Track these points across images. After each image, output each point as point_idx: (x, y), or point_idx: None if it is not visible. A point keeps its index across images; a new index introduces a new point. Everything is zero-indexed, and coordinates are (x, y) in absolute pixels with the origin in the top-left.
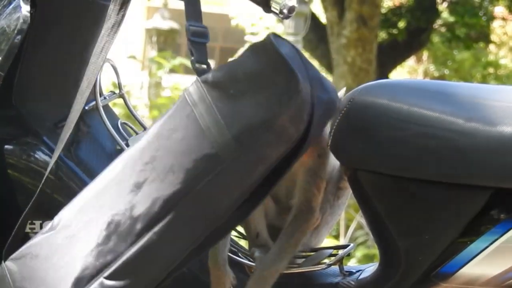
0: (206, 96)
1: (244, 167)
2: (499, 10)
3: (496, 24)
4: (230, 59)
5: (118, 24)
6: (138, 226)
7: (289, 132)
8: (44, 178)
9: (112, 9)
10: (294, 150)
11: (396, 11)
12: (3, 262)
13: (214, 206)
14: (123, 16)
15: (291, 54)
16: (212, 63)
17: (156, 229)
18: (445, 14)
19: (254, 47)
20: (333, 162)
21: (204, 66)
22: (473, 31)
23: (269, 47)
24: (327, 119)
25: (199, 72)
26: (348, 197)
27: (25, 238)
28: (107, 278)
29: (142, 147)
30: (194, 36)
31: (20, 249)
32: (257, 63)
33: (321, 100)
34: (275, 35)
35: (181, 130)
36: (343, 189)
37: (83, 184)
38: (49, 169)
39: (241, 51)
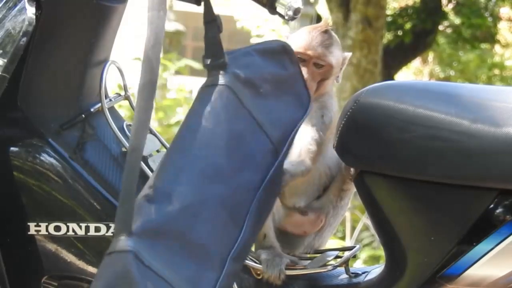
0: (246, 91)
1: (283, 162)
2: (505, 11)
3: (501, 25)
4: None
5: (162, 26)
6: (243, 212)
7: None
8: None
9: (152, 14)
10: None
11: (402, 13)
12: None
13: (274, 193)
14: (164, 17)
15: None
16: None
17: (251, 212)
18: (451, 16)
19: (272, 50)
20: (337, 163)
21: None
22: (479, 32)
23: (287, 55)
24: None
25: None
26: (350, 198)
27: (31, 240)
28: (231, 259)
29: (215, 144)
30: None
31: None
32: (278, 68)
33: None
34: (285, 44)
35: (237, 125)
36: (346, 191)
37: (88, 186)
38: None
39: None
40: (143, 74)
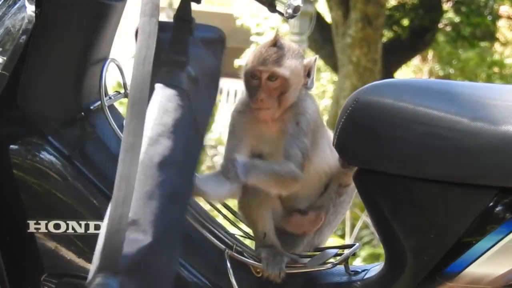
0: (192, 92)
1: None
2: (504, 9)
3: (501, 23)
4: (235, 60)
5: (153, 32)
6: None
7: None
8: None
9: (144, 20)
10: None
11: (399, 9)
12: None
13: None
14: (155, 24)
15: None
16: None
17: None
18: (450, 14)
19: (213, 42)
20: (336, 161)
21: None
22: (478, 29)
23: (221, 46)
24: None
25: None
26: (352, 196)
27: (30, 238)
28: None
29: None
30: None
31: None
32: (216, 60)
33: None
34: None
35: (189, 126)
36: (345, 187)
37: (88, 184)
38: None
39: (247, 51)
40: (132, 91)
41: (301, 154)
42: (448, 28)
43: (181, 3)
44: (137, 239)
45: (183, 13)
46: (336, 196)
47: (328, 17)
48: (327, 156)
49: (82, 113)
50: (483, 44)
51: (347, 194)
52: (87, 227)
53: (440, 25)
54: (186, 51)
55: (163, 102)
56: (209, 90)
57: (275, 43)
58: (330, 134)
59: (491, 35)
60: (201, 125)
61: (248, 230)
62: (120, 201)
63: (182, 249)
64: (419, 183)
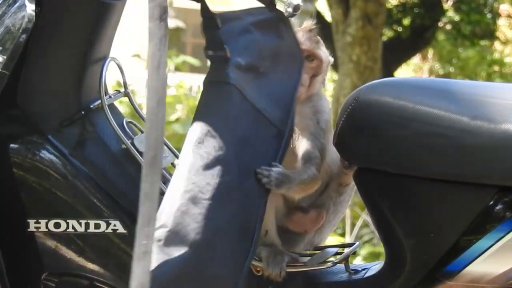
0: (247, 79)
1: (290, 136)
2: (505, 8)
3: (501, 22)
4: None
5: (164, 36)
6: (252, 220)
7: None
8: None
9: (153, 25)
10: None
11: (400, 8)
12: None
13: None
14: (165, 27)
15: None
16: None
17: (259, 218)
18: (450, 13)
19: (269, 22)
20: (336, 160)
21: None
22: (478, 28)
23: (278, 24)
24: None
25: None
26: (352, 194)
27: (31, 237)
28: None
29: (227, 147)
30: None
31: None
32: (276, 39)
33: None
34: (279, 13)
35: (244, 118)
36: (345, 186)
37: (88, 183)
38: None
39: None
40: (149, 101)
41: (320, 155)
42: (448, 27)
43: (201, 5)
44: (177, 250)
45: (205, 11)
46: (336, 195)
47: (328, 16)
48: (330, 155)
49: (82, 112)
50: (483, 42)
51: (347, 193)
52: (87, 226)
53: (440, 24)
54: (222, 45)
55: (207, 102)
56: (276, 70)
57: (311, 30)
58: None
59: (491, 34)
60: (269, 109)
61: None
62: (146, 221)
63: (251, 251)
64: (419, 182)
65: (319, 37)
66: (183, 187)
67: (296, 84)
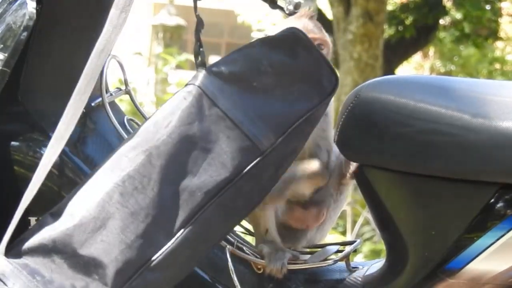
0: (227, 88)
1: (280, 158)
2: (506, 5)
3: (503, 20)
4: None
5: (119, 27)
6: (179, 218)
7: (318, 118)
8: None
9: (114, 13)
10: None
11: (403, 8)
12: (7, 259)
13: (248, 195)
14: (124, 19)
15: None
16: (217, 59)
17: (196, 220)
18: (452, 11)
19: (275, 40)
20: (336, 156)
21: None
22: (480, 26)
23: (300, 42)
24: None
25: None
26: (349, 192)
27: None
28: (150, 270)
29: (160, 140)
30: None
31: (27, 246)
32: (288, 58)
33: None
34: (297, 29)
35: (206, 123)
36: (346, 184)
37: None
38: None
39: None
40: (80, 82)
41: (327, 152)
42: (451, 25)
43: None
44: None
45: (196, 12)
46: (337, 193)
47: (329, 14)
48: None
49: (83, 110)
50: (487, 42)
51: (346, 192)
52: None
53: (442, 22)
54: (199, 50)
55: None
56: (285, 90)
57: (312, 17)
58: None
59: (494, 33)
60: (248, 123)
61: (249, 226)
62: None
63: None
64: (420, 179)
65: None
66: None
67: (307, 109)
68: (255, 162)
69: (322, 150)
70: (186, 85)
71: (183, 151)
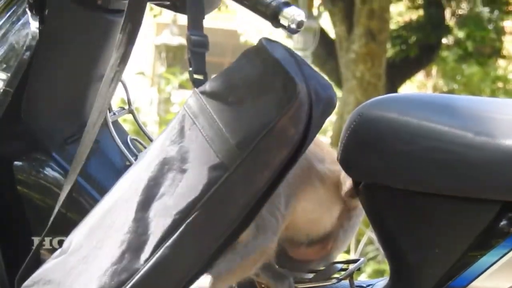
0: (205, 107)
1: (249, 174)
2: (509, 24)
3: (505, 39)
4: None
5: (128, 54)
6: (151, 241)
7: (289, 134)
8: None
9: (121, 39)
10: (295, 153)
11: (407, 27)
12: None
13: (221, 216)
14: (132, 45)
15: (285, 56)
16: None
17: (168, 243)
18: (455, 30)
19: (248, 53)
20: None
21: (201, 77)
22: (483, 44)
23: (262, 52)
24: (326, 116)
25: (197, 83)
26: (361, 216)
27: (35, 254)
28: None
29: (147, 163)
30: (194, 46)
31: (32, 276)
32: (252, 69)
33: (319, 98)
34: (267, 39)
35: (185, 143)
36: (355, 209)
37: (92, 200)
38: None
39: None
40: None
41: (277, 220)
42: (454, 44)
43: (188, 17)
44: None
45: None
46: (346, 223)
47: (332, 33)
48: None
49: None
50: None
51: (357, 216)
52: None
53: (445, 41)
54: (204, 68)
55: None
56: (254, 102)
57: None
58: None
59: (498, 52)
60: (217, 139)
61: None
62: None
63: None
64: (424, 197)
65: None
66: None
67: (268, 121)
68: (221, 179)
69: (268, 219)
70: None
71: (163, 173)
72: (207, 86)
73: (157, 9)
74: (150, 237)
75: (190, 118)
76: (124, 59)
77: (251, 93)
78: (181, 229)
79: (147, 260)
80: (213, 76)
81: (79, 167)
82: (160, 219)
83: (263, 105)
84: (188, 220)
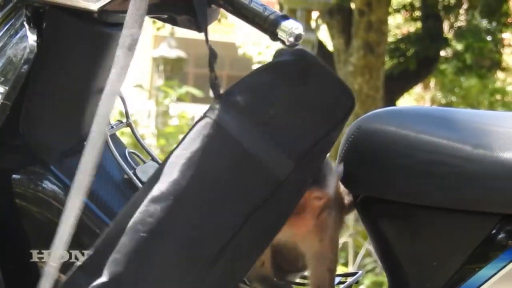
0: (243, 121)
1: (299, 185)
2: (507, 36)
3: (504, 51)
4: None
5: (127, 66)
6: (211, 254)
7: (334, 140)
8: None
9: (120, 52)
10: None
11: (405, 40)
12: None
13: (270, 227)
14: (131, 58)
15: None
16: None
17: (227, 254)
18: (454, 43)
19: (286, 66)
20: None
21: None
22: (481, 56)
23: (312, 67)
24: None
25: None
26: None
27: (34, 268)
28: None
29: (186, 181)
30: (215, 58)
31: None
32: (296, 84)
33: None
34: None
35: (223, 158)
36: (343, 220)
37: (90, 213)
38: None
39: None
40: (94, 127)
41: (329, 272)
42: (453, 57)
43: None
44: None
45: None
46: (335, 231)
47: (330, 45)
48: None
49: (85, 143)
50: (490, 73)
51: (344, 223)
52: None
53: (444, 53)
54: (215, 81)
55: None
56: (297, 116)
57: None
58: None
59: (496, 64)
60: (266, 154)
61: None
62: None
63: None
64: (422, 211)
65: None
66: (124, 217)
67: (318, 137)
68: (274, 192)
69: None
70: (202, 118)
71: (203, 191)
72: (236, 98)
73: (159, 22)
74: (212, 249)
75: (225, 131)
76: (123, 72)
77: (297, 108)
78: (236, 239)
79: (210, 273)
80: (236, 86)
81: (84, 188)
82: (211, 237)
83: (312, 120)
84: (237, 234)
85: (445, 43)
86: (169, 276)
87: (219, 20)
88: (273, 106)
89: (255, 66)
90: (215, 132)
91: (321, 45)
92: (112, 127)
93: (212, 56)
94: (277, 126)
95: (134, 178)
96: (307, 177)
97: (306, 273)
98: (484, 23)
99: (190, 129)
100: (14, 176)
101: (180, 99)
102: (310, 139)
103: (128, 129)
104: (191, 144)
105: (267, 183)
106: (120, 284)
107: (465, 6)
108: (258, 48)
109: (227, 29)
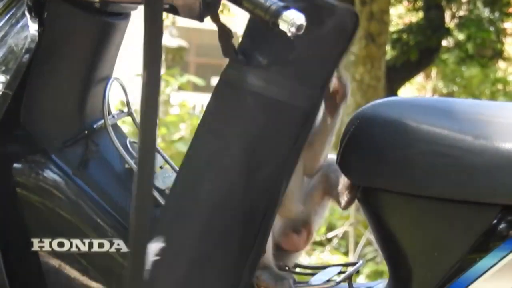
0: (267, 77)
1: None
2: (509, 26)
3: (506, 41)
4: None
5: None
6: (255, 219)
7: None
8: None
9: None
10: None
11: (406, 30)
12: None
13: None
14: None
15: None
16: (217, 79)
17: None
18: (455, 33)
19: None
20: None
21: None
22: (483, 46)
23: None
24: None
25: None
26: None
27: (34, 256)
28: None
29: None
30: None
31: None
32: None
33: None
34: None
35: (253, 118)
36: (328, 198)
37: (92, 202)
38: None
39: None
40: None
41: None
42: (455, 47)
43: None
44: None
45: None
46: (319, 208)
47: None
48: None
49: (86, 132)
50: (492, 62)
51: (327, 204)
52: (90, 245)
53: (446, 43)
54: (236, 54)
55: (217, 104)
56: (313, 51)
57: None
58: None
59: (498, 54)
60: (293, 94)
61: None
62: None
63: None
64: (423, 201)
65: None
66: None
67: (335, 59)
68: (305, 124)
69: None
70: (228, 84)
71: (240, 152)
72: (261, 59)
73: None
74: (256, 213)
75: (256, 94)
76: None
77: (312, 46)
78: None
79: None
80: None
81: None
82: (260, 193)
83: (323, 48)
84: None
85: (447, 33)
86: None
87: (222, 11)
88: (292, 52)
89: None
90: (242, 96)
91: None
92: (113, 117)
93: (225, 33)
94: (298, 68)
95: (135, 167)
96: (320, 102)
97: (302, 255)
98: (486, 12)
99: (216, 96)
100: (15, 165)
101: (181, 88)
102: (330, 64)
103: (129, 119)
104: (218, 112)
105: (296, 118)
106: None
107: None
108: None
109: (228, 18)
